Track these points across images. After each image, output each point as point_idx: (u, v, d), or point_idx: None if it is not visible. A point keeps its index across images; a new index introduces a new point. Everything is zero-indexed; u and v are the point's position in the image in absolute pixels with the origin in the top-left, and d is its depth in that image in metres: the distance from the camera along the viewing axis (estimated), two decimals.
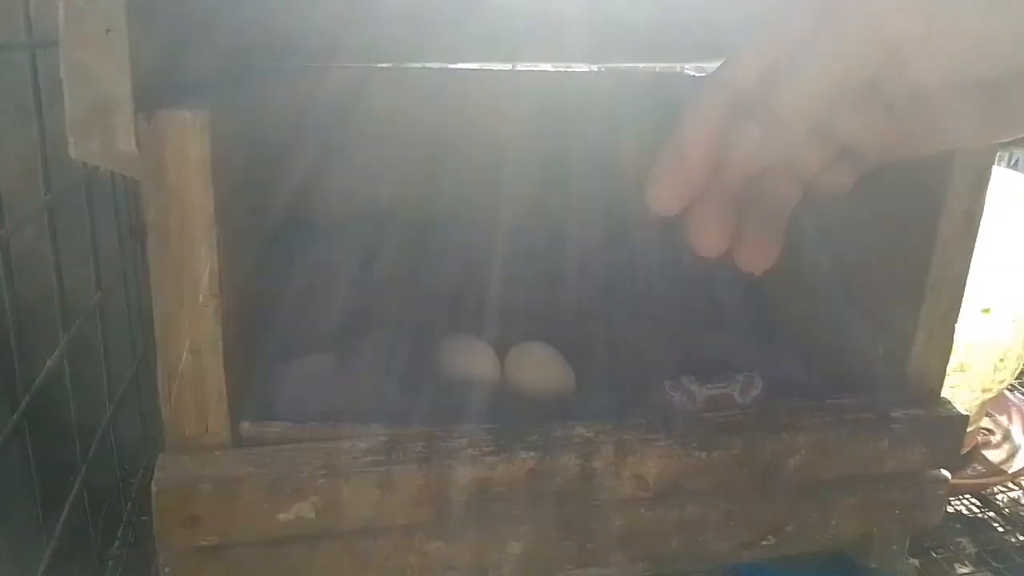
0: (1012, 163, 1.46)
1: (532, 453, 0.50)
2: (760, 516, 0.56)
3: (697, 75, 0.92)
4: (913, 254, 0.57)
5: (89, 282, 0.67)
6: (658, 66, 0.95)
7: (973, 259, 0.56)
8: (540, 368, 0.64)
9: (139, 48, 0.39)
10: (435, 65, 0.85)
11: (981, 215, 0.55)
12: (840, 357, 0.64)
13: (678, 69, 0.99)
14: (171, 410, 0.47)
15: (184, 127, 0.40)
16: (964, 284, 0.57)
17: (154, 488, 0.45)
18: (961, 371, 0.84)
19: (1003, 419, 1.01)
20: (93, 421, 0.67)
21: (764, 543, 0.57)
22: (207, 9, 0.57)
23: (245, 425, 0.50)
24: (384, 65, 0.83)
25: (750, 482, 0.54)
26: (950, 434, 0.58)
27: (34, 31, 0.51)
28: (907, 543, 0.62)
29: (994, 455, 0.95)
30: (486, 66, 0.91)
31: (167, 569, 0.47)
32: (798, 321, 0.71)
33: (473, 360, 0.64)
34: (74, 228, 0.64)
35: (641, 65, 0.93)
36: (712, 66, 0.39)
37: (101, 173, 0.69)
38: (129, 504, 0.79)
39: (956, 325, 0.58)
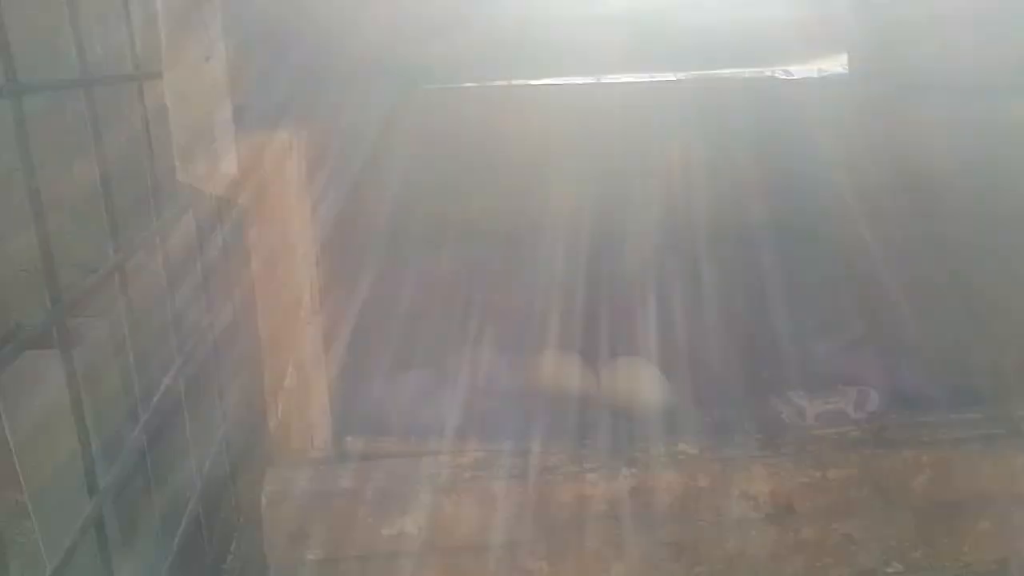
0: None
1: (634, 470, 0.48)
2: (884, 541, 0.53)
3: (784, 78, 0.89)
4: None
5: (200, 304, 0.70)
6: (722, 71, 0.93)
7: None
8: (638, 383, 0.62)
9: (237, 74, 0.40)
10: (520, 82, 0.85)
11: None
12: (965, 366, 0.59)
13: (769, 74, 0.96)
14: (278, 425, 0.48)
15: (283, 147, 0.42)
16: None
17: (263, 502, 0.46)
18: None
19: None
20: (207, 438, 0.70)
21: (890, 570, 0.53)
22: (298, 34, 0.59)
23: (349, 439, 0.51)
24: (470, 84, 0.84)
25: (870, 503, 0.50)
26: None
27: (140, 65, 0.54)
28: None
29: None
30: (575, 80, 0.90)
31: None
32: (917, 329, 0.67)
33: (570, 375, 0.63)
34: (182, 252, 0.66)
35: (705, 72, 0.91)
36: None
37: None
38: (241, 516, 0.81)
39: None
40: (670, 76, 0.89)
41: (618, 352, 0.65)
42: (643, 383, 0.63)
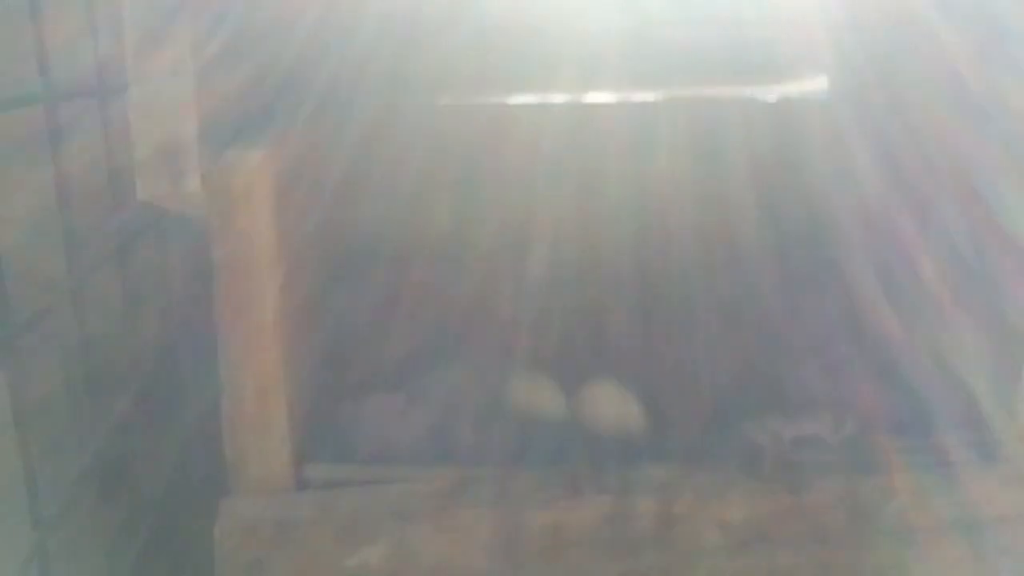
0: None
1: (606, 497, 0.47)
2: (858, 567, 0.52)
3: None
4: (1017, 278, 0.53)
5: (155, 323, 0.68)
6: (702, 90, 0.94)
7: None
8: (611, 407, 0.62)
9: (205, 90, 0.39)
10: (494, 99, 0.85)
11: None
12: (939, 391, 0.59)
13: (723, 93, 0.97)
14: (235, 452, 0.46)
15: (250, 166, 0.40)
16: None
17: (216, 532, 0.44)
18: None
19: None
20: (164, 463, 0.68)
21: None
22: (267, 50, 0.58)
23: (310, 467, 0.49)
24: (445, 100, 0.83)
25: (845, 529, 0.50)
26: None
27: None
28: None
29: None
30: (548, 98, 0.90)
31: None
32: (893, 352, 0.67)
33: (542, 399, 0.62)
34: (144, 271, 0.65)
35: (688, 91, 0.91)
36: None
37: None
38: (194, 549, 0.79)
39: None
40: (652, 96, 0.89)
41: (592, 376, 0.64)
42: (617, 407, 0.62)
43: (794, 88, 0.96)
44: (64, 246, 0.48)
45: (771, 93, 0.95)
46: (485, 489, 0.48)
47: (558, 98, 0.89)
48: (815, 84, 0.87)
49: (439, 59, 0.67)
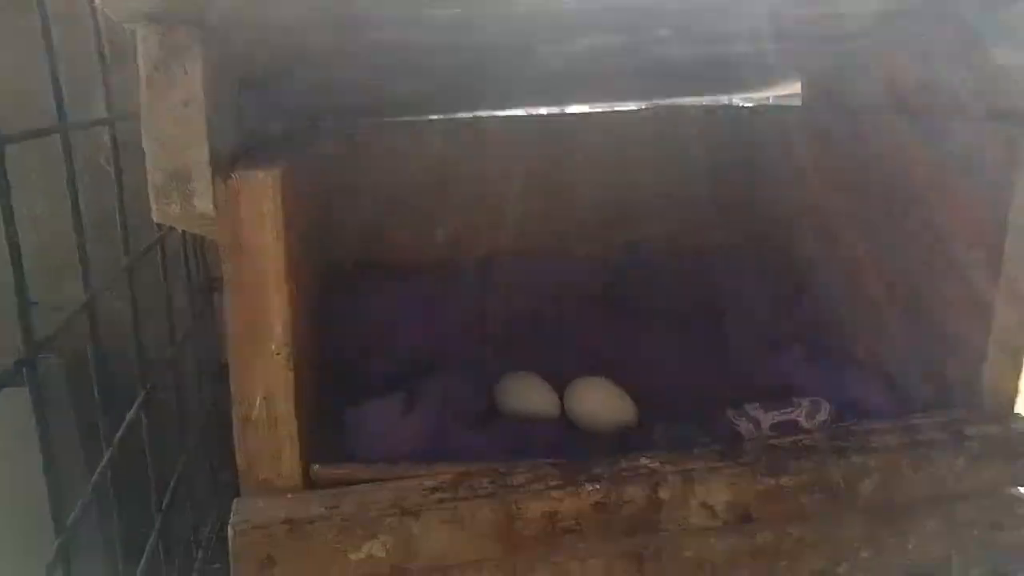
0: None
1: (597, 485, 0.50)
2: (834, 543, 0.55)
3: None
4: (981, 269, 0.56)
5: (164, 337, 0.71)
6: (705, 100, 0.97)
7: None
8: (600, 402, 0.64)
9: (214, 117, 0.41)
10: (486, 113, 0.88)
11: None
12: (909, 377, 0.63)
13: (726, 101, 1.00)
14: (245, 455, 0.49)
15: (257, 187, 0.43)
16: None
17: (231, 531, 0.46)
18: None
19: None
20: (169, 472, 0.70)
21: (839, 570, 0.56)
22: (273, 77, 0.60)
23: (316, 468, 0.51)
24: (436, 116, 0.86)
25: (822, 508, 0.53)
26: None
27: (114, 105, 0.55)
28: (989, 567, 0.60)
29: None
30: (536, 111, 0.93)
31: None
32: (863, 342, 0.70)
33: (533, 397, 0.65)
34: (148, 286, 0.67)
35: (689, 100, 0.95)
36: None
37: (173, 234, 0.73)
38: (200, 552, 0.81)
39: None
40: (631, 106, 0.92)
41: (580, 372, 0.67)
42: (605, 401, 0.65)
43: (769, 95, 1.00)
44: (79, 267, 0.50)
45: (747, 100, 0.98)
46: (481, 483, 0.50)
47: (541, 111, 0.92)
48: (789, 91, 0.91)
49: (433, 79, 0.69)
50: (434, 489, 0.50)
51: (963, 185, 0.59)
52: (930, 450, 0.55)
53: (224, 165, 0.43)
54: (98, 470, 0.52)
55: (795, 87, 0.88)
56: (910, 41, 0.63)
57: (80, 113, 0.52)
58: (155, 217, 0.41)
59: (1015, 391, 0.57)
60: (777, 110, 0.96)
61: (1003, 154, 0.54)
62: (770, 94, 1.01)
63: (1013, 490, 0.57)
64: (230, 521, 0.47)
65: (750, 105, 0.96)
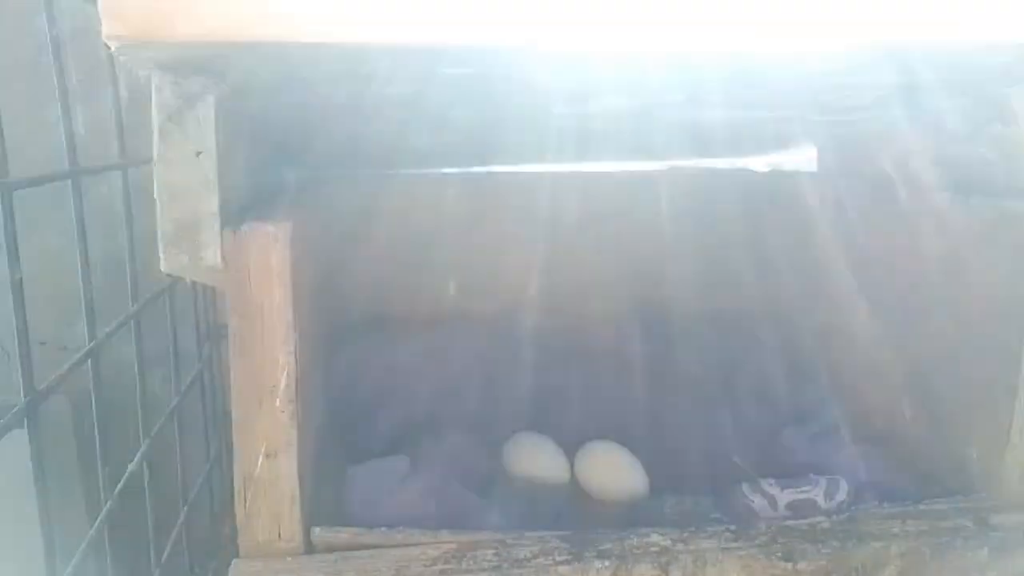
0: None
1: (607, 563, 0.48)
2: None
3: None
4: (1003, 351, 0.55)
5: (169, 385, 0.69)
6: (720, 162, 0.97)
7: None
8: (611, 469, 0.63)
9: (226, 168, 0.41)
10: (499, 168, 0.88)
11: None
12: (930, 459, 0.60)
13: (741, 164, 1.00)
14: (245, 514, 0.47)
15: (267, 240, 0.42)
16: None
17: None
18: None
19: None
20: (170, 522, 0.68)
21: None
22: (284, 128, 0.60)
23: (316, 531, 0.50)
24: (451, 170, 0.86)
25: None
26: None
27: (127, 151, 0.55)
28: None
29: None
30: (549, 168, 0.93)
31: None
32: (884, 421, 0.68)
33: (542, 461, 0.63)
34: (155, 333, 0.66)
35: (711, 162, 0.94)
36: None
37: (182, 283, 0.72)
38: None
39: None
40: (646, 166, 0.92)
41: (591, 437, 0.65)
42: (617, 468, 0.63)
43: (786, 160, 0.99)
44: (84, 312, 0.49)
45: (764, 165, 0.98)
46: (486, 554, 0.48)
47: (559, 168, 0.92)
48: (806, 157, 0.90)
49: (445, 133, 0.69)
50: (436, 559, 0.48)
51: (984, 263, 0.57)
52: (954, 538, 0.52)
53: (234, 217, 0.42)
54: (95, 525, 0.50)
55: (811, 153, 0.87)
56: (925, 115, 0.62)
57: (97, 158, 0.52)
58: (163, 268, 0.40)
59: None
60: (792, 176, 0.95)
61: None
62: (786, 159, 1.01)
63: None
64: None
65: (765, 170, 0.96)
